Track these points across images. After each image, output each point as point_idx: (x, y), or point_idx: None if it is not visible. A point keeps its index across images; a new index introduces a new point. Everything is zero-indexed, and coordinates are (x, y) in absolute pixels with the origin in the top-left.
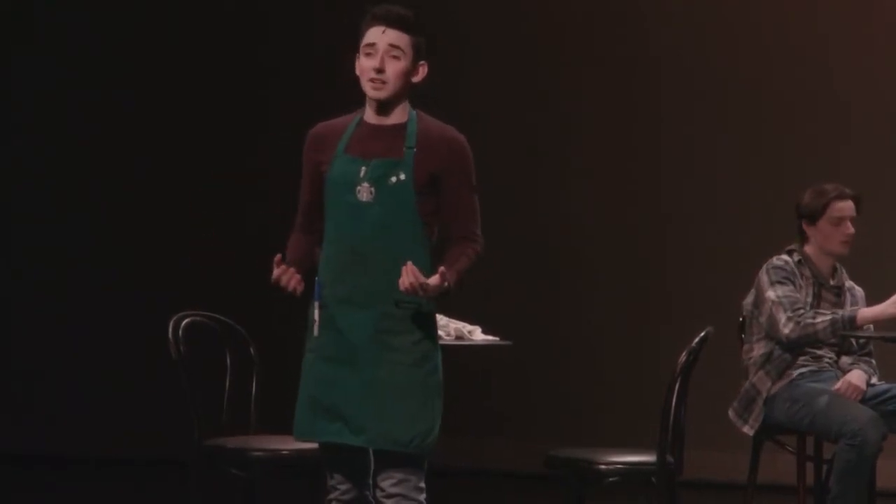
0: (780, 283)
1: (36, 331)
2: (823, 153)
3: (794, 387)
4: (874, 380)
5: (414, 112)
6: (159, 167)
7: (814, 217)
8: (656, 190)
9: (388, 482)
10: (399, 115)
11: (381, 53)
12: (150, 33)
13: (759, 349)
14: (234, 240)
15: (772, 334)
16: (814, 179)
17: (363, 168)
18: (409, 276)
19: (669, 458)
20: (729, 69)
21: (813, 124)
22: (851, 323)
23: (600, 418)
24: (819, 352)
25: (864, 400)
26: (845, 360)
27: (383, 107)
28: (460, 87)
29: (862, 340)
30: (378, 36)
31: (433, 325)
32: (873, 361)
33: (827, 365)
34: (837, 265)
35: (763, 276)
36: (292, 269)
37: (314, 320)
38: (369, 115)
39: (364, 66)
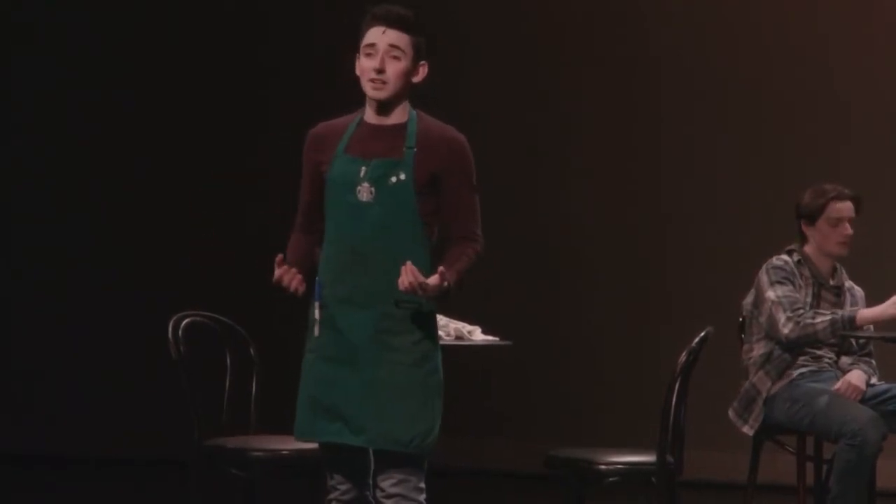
0: (779, 283)
1: (36, 331)
2: (823, 153)
3: (794, 387)
4: (874, 380)
5: (414, 112)
6: (159, 167)
7: (812, 217)
8: (656, 190)
9: (388, 482)
10: (399, 116)
11: (382, 54)
12: (150, 33)
13: (758, 349)
14: (234, 240)
15: (771, 334)
16: (814, 179)
17: (363, 168)
18: (408, 275)
19: (669, 458)
20: (729, 69)
21: (813, 124)
22: (851, 323)
23: (600, 418)
24: (819, 352)
25: (864, 400)
26: (845, 360)
27: (383, 107)
28: (460, 87)
29: (862, 341)
30: (378, 36)
31: (433, 325)
32: (873, 361)
33: (827, 365)
34: (837, 265)
35: (763, 276)
36: (294, 270)
37: (314, 320)
38: (369, 116)
39: (364, 66)
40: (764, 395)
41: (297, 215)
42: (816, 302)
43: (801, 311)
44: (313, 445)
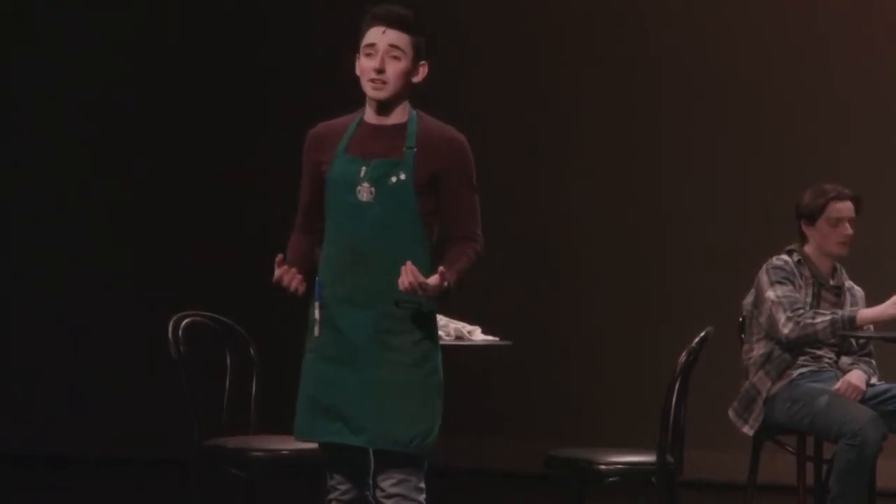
0: (779, 283)
1: (36, 331)
2: (823, 153)
3: (794, 387)
4: (874, 380)
5: (414, 112)
6: (159, 167)
7: (812, 217)
8: (656, 190)
9: (387, 482)
10: (399, 115)
11: (382, 54)
12: (150, 33)
13: (758, 349)
14: (234, 240)
15: (771, 334)
16: (814, 179)
17: (363, 168)
18: (408, 275)
19: (669, 458)
20: (729, 69)
21: (813, 124)
22: (851, 323)
23: (600, 418)
24: (819, 352)
25: (864, 400)
26: (845, 360)
27: (383, 107)
28: (460, 87)
29: (862, 341)
30: (378, 36)
31: (433, 325)
32: (873, 361)
33: (827, 365)
34: (837, 265)
35: (763, 276)
36: (294, 270)
37: (314, 320)
38: (369, 116)
39: (364, 66)
40: (764, 395)
41: (297, 215)
42: (816, 302)
43: (801, 311)
44: (313, 445)
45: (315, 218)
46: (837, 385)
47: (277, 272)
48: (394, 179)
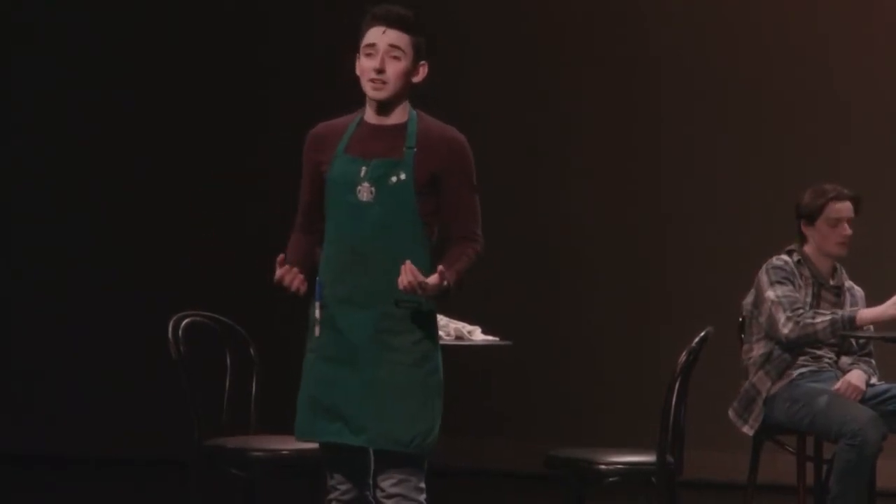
0: (779, 283)
1: (36, 331)
2: (823, 153)
3: (794, 387)
4: (874, 380)
5: (414, 112)
6: (159, 167)
7: (812, 217)
8: (656, 190)
9: (388, 482)
10: (399, 115)
11: (382, 54)
12: (150, 33)
13: (758, 349)
14: (234, 240)
15: (771, 334)
16: (814, 179)
17: (363, 168)
18: (407, 274)
19: (669, 458)
20: (729, 69)
21: (813, 124)
22: (851, 323)
23: (600, 418)
24: (819, 352)
25: (864, 400)
26: (845, 360)
27: (383, 107)
28: (460, 87)
29: (862, 341)
30: (378, 36)
31: (433, 325)
32: (873, 361)
33: (827, 365)
34: (837, 265)
35: (763, 276)
36: (296, 269)
37: (315, 320)
38: (369, 116)
39: (364, 66)
40: (764, 395)
41: (297, 215)
42: (816, 302)
43: (801, 311)
44: (313, 445)
45: (315, 218)
46: (837, 385)
47: (279, 272)
48: (394, 179)
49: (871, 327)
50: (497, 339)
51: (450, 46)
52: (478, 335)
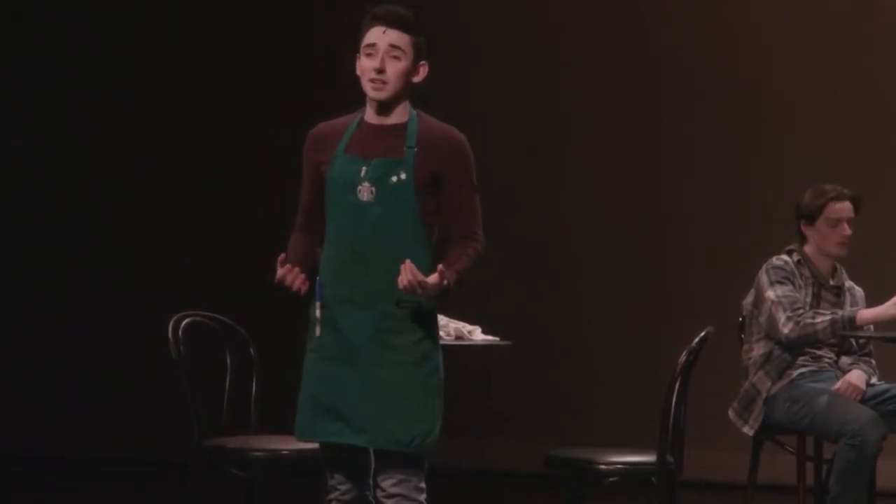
0: (779, 282)
1: (36, 331)
2: (823, 153)
3: (794, 387)
4: (874, 380)
5: (414, 112)
6: (159, 167)
7: (812, 217)
8: (656, 190)
9: (388, 482)
10: (400, 115)
11: (382, 54)
12: (150, 33)
13: (758, 349)
14: (234, 240)
15: (771, 334)
16: (814, 179)
17: (364, 168)
18: (407, 273)
19: (669, 458)
20: (729, 69)
21: (813, 124)
22: (851, 323)
23: (600, 418)
24: (819, 352)
25: (864, 400)
26: (845, 360)
27: (384, 107)
28: (460, 87)
29: (862, 341)
30: (378, 36)
31: (434, 325)
32: (873, 361)
33: (827, 365)
34: (837, 265)
35: (763, 276)
36: (297, 269)
37: (315, 320)
38: (370, 115)
39: (364, 66)
40: (764, 395)
41: (297, 215)
42: (816, 302)
43: (801, 310)
44: (313, 445)
45: (315, 218)
46: (837, 385)
47: (280, 272)
48: (394, 179)
49: (871, 327)
50: (497, 339)
51: (450, 46)
52: (478, 335)
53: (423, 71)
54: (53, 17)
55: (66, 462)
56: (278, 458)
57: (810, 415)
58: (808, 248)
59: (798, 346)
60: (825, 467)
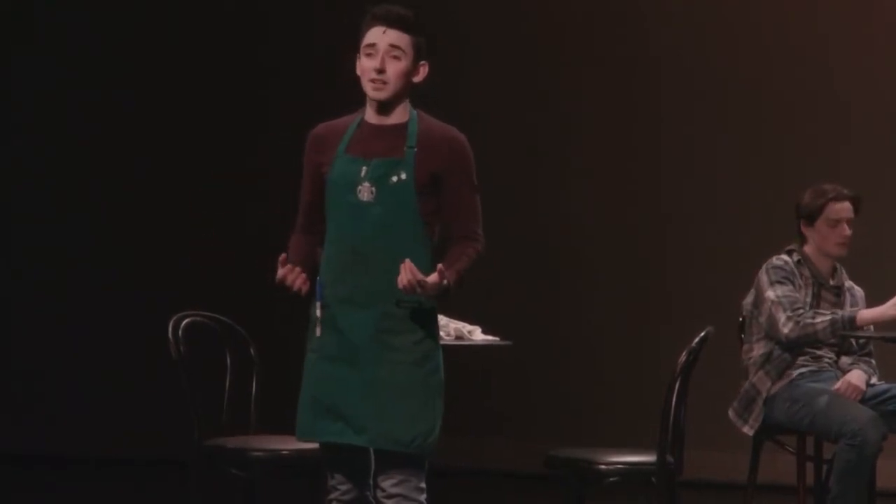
0: (779, 282)
1: (36, 331)
2: (823, 153)
3: (794, 387)
4: (874, 380)
5: (415, 112)
6: (159, 167)
7: (811, 218)
8: (656, 190)
9: (388, 482)
10: (400, 115)
11: (382, 54)
12: (150, 33)
13: (758, 349)
14: (234, 240)
15: (771, 334)
16: (814, 179)
17: (364, 168)
18: (406, 273)
19: (669, 458)
20: (729, 69)
21: (813, 124)
22: (851, 323)
23: (600, 418)
24: (819, 352)
25: (864, 400)
26: (845, 360)
27: (384, 107)
28: (460, 87)
29: (862, 341)
30: (378, 36)
31: (434, 325)
32: (873, 361)
33: (827, 365)
34: (837, 265)
35: (763, 276)
36: (298, 269)
37: (316, 320)
38: (370, 116)
39: (365, 66)
40: (764, 395)
41: (297, 216)
42: (816, 302)
43: (801, 310)
44: (313, 445)
45: (316, 219)
46: (837, 385)
47: (281, 272)
48: (394, 179)
49: (871, 327)
50: (497, 339)
51: (450, 46)
52: (478, 335)
53: (423, 71)
54: (53, 17)
55: (66, 462)
56: (278, 458)
57: (810, 415)
58: (808, 249)
59: (798, 346)
60: (825, 467)
